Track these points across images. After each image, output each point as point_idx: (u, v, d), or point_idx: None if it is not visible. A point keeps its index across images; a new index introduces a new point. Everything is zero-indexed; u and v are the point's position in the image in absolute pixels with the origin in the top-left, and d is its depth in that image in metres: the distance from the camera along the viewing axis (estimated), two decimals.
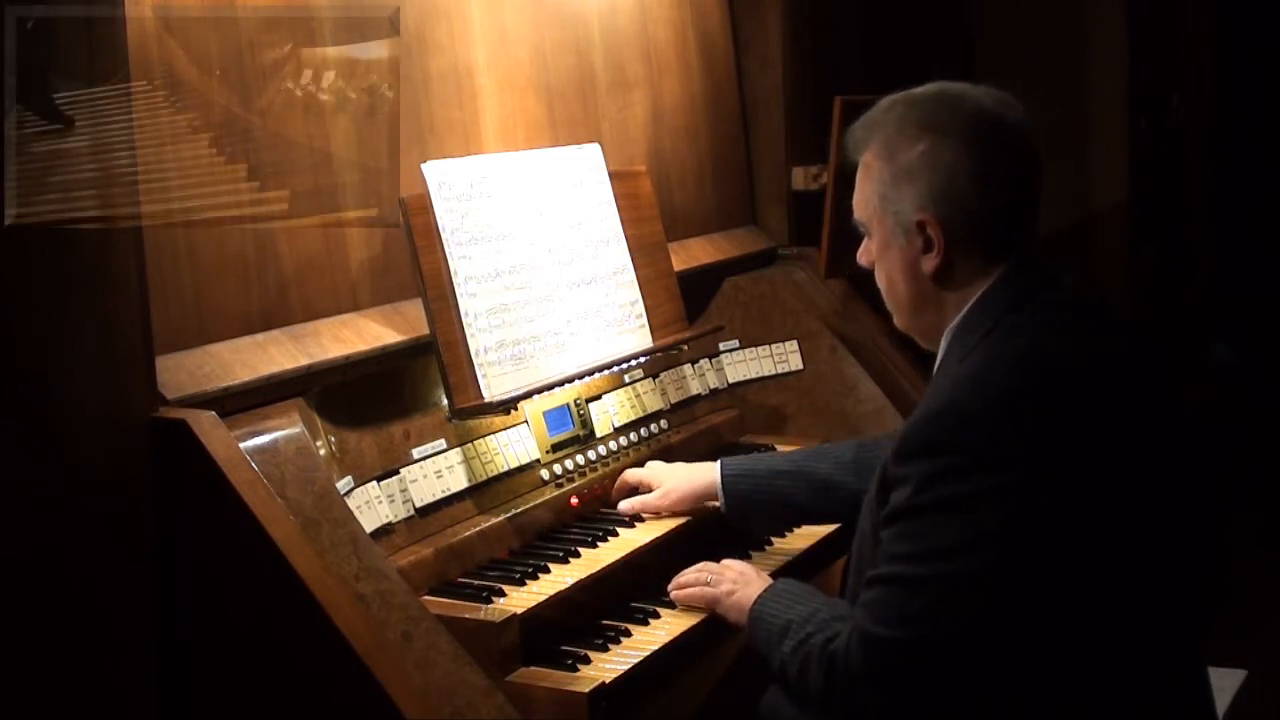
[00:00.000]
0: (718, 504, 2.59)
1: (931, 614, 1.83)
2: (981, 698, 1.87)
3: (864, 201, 2.08)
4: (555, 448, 2.64)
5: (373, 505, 2.26)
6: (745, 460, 2.67)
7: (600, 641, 2.22)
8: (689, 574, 2.36)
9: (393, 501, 2.30)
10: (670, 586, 2.36)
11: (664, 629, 2.29)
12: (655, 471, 2.66)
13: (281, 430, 2.09)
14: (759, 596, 2.17)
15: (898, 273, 2.05)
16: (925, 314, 2.06)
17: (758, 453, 2.90)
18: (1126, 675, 1.90)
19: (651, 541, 2.50)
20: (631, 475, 2.67)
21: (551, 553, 2.40)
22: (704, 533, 2.59)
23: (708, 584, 2.31)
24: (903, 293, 2.06)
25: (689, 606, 2.33)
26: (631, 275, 2.86)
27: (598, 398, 2.80)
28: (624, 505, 2.60)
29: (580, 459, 2.68)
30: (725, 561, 2.37)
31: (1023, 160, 2.00)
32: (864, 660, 1.87)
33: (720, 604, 2.27)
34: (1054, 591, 1.84)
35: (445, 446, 2.43)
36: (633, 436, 2.83)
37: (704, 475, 2.60)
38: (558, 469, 2.63)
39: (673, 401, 3.02)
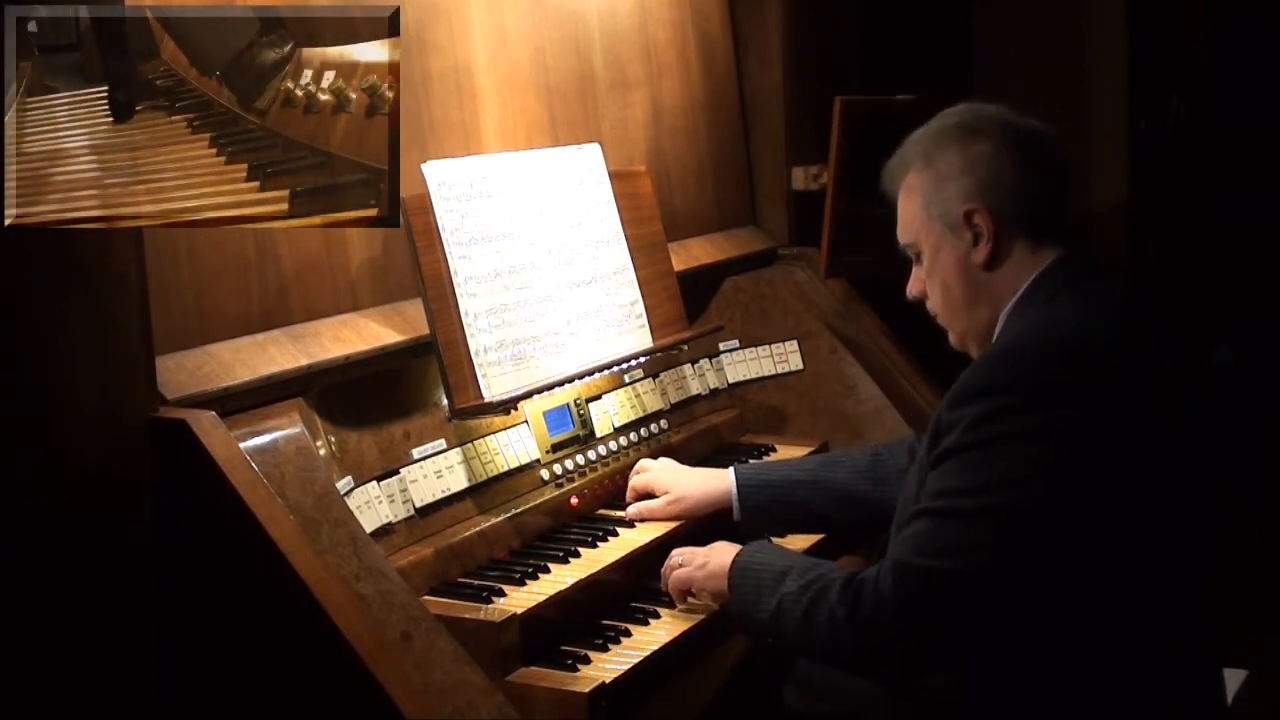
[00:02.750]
0: (730, 513, 2.58)
1: (970, 545, 1.86)
2: (1006, 637, 1.90)
3: (910, 219, 2.13)
4: (555, 448, 2.64)
5: (373, 505, 2.26)
6: (760, 469, 2.67)
7: (600, 641, 2.22)
8: (665, 567, 2.37)
9: (393, 501, 2.30)
10: (663, 587, 2.37)
11: (664, 629, 2.29)
12: (664, 476, 2.64)
13: (281, 430, 2.09)
14: (741, 550, 2.20)
15: (951, 274, 2.09)
16: (980, 310, 2.09)
17: (769, 460, 2.88)
18: (1136, 638, 1.93)
19: (651, 541, 2.50)
20: (640, 481, 2.65)
21: (551, 553, 2.40)
22: (704, 532, 2.59)
23: (680, 566, 2.32)
24: (958, 294, 2.10)
25: (689, 609, 2.34)
26: (631, 275, 2.86)
27: (598, 398, 2.80)
28: (632, 510, 2.59)
29: (580, 459, 2.68)
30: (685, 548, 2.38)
31: (1053, 156, 2.10)
32: (894, 588, 1.89)
33: (696, 581, 2.28)
34: (1090, 537, 1.87)
35: (445, 446, 2.43)
36: (633, 436, 2.83)
37: (717, 484, 2.59)
38: (558, 469, 2.63)
39: (673, 401, 3.02)
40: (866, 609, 1.91)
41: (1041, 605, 1.88)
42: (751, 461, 2.92)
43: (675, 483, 2.62)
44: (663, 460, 2.72)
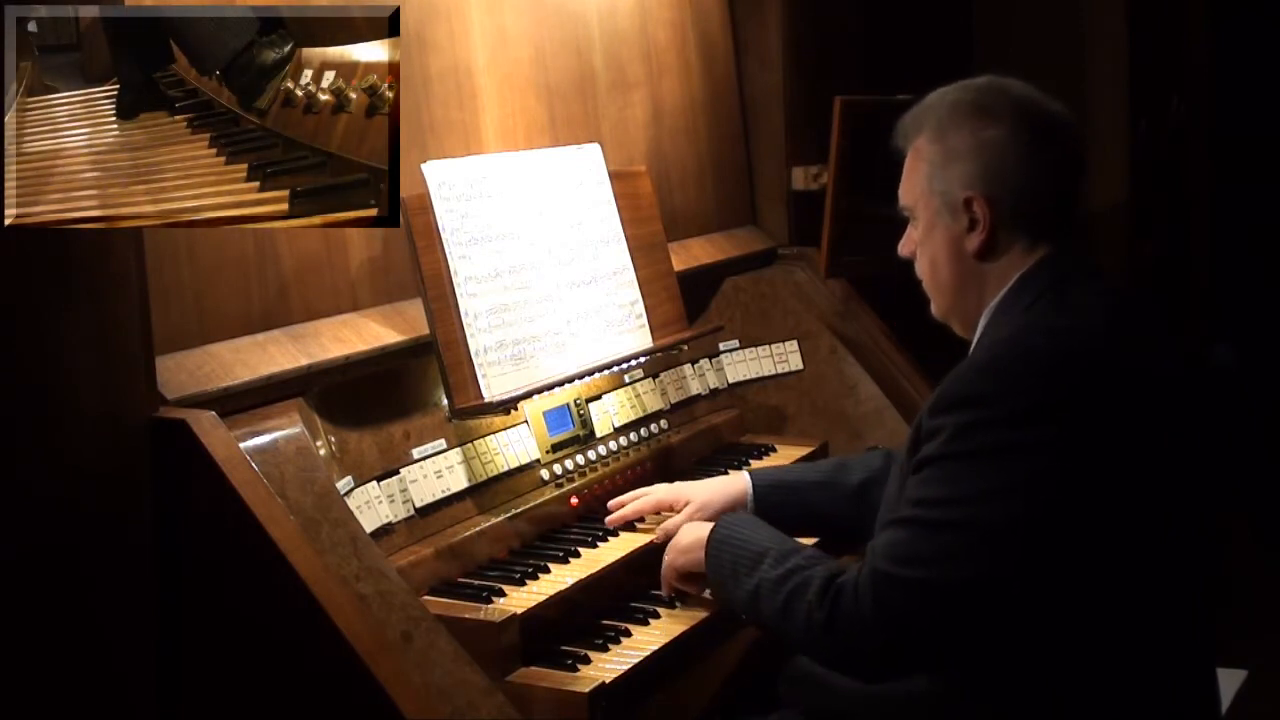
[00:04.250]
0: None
1: (947, 557, 1.85)
2: (984, 647, 1.89)
3: (912, 186, 2.11)
4: (555, 448, 2.64)
5: (373, 505, 2.26)
6: (775, 471, 2.65)
7: (600, 641, 2.22)
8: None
9: (393, 501, 2.30)
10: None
11: (664, 629, 2.29)
12: (681, 489, 2.59)
13: (281, 430, 2.09)
14: (719, 521, 2.21)
15: (941, 253, 2.07)
16: (967, 295, 2.08)
17: (782, 465, 2.84)
18: (1129, 644, 1.92)
19: (651, 542, 2.50)
20: (651, 502, 2.57)
21: (551, 553, 2.40)
22: None
23: (665, 556, 2.34)
24: (945, 274, 2.08)
25: (687, 607, 2.34)
26: (631, 275, 2.86)
27: (598, 398, 2.80)
28: (660, 533, 2.48)
29: (580, 459, 2.68)
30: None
31: (1067, 149, 2.06)
32: (872, 596, 1.88)
33: (678, 565, 2.30)
34: (1070, 550, 1.87)
35: (445, 446, 2.43)
36: (633, 436, 2.83)
37: (735, 487, 2.55)
38: (558, 469, 2.63)
39: (673, 401, 3.02)
40: (845, 615, 1.91)
41: (1027, 614, 1.88)
42: (757, 464, 2.91)
43: (693, 492, 2.56)
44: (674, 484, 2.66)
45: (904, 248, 2.17)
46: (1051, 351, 1.91)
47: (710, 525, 2.24)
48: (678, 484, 2.64)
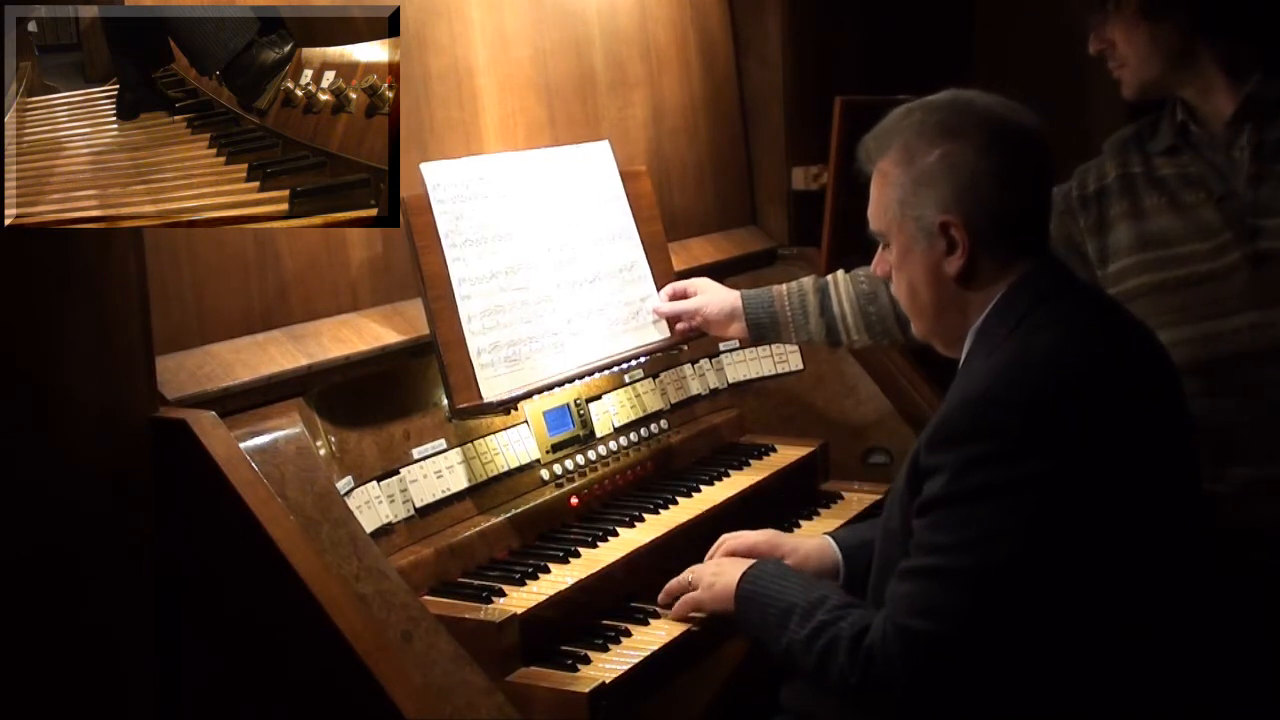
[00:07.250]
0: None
1: (970, 605, 1.83)
2: (1020, 691, 1.87)
3: (881, 210, 2.07)
4: (555, 448, 2.64)
5: (373, 505, 2.26)
6: (858, 531, 2.45)
7: (600, 641, 2.22)
8: (673, 584, 2.34)
9: (393, 501, 2.30)
10: (661, 603, 2.34)
11: (664, 629, 2.29)
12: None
13: (281, 430, 2.09)
14: (742, 575, 2.16)
15: (920, 277, 2.04)
16: (948, 317, 2.04)
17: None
18: (1151, 669, 1.91)
19: (651, 542, 2.50)
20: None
21: (551, 553, 2.40)
22: (704, 534, 2.59)
23: (690, 585, 2.29)
24: (925, 298, 2.05)
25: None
26: (645, 269, 2.85)
27: (598, 398, 2.80)
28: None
29: (580, 459, 2.68)
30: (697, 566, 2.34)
31: (1037, 161, 2.02)
32: (903, 657, 1.85)
33: (705, 604, 2.25)
34: (1086, 579, 1.85)
35: (445, 446, 2.43)
36: (633, 436, 2.83)
37: (821, 549, 2.37)
38: (558, 469, 2.63)
39: (673, 401, 3.02)
40: (878, 676, 1.88)
41: (1049, 641, 1.86)
42: (757, 465, 2.91)
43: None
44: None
45: (878, 267, 2.14)
46: (1042, 377, 1.88)
47: (740, 569, 2.18)
48: (769, 533, 2.46)
